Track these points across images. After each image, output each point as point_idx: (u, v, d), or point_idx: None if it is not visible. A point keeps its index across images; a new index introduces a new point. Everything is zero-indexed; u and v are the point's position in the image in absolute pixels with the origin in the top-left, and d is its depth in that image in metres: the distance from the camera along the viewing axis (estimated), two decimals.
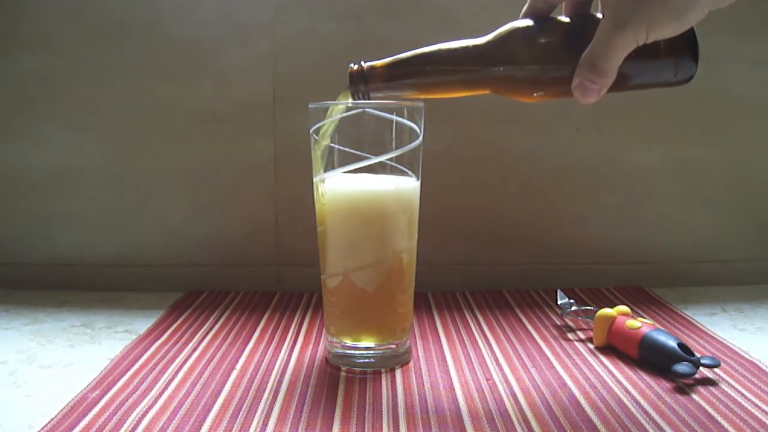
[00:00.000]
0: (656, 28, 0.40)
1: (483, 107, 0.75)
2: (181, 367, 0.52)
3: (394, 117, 0.50)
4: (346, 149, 0.50)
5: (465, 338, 0.60)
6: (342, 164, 0.50)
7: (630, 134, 0.77)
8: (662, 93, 0.76)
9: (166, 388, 0.48)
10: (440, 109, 0.65)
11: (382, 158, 0.50)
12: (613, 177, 0.78)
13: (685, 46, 0.43)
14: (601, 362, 0.54)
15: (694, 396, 0.47)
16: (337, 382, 0.50)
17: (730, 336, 0.60)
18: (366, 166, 0.50)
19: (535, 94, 0.46)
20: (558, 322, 0.64)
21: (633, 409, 0.45)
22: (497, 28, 0.45)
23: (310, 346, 0.58)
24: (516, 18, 0.46)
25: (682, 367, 0.49)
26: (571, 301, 0.64)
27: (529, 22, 0.45)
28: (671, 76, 0.44)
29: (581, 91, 0.43)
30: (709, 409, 0.45)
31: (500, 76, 0.45)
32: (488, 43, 0.45)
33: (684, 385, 0.49)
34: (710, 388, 0.48)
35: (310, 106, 0.52)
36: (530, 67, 0.44)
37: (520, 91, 0.45)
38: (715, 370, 0.51)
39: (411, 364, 0.53)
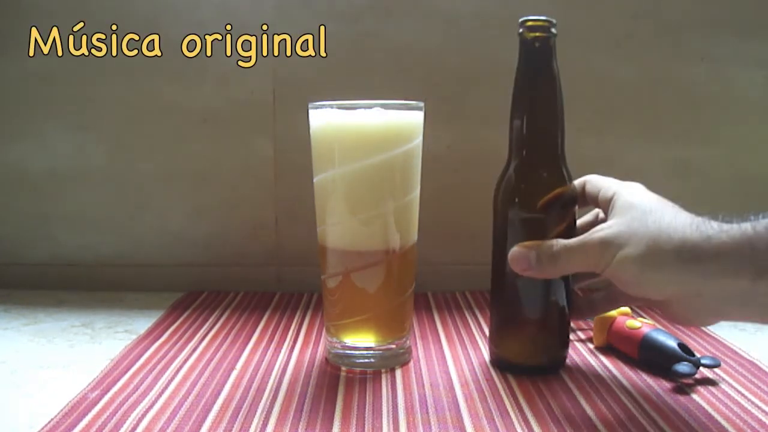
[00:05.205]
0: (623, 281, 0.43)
1: (483, 108, 0.75)
2: (181, 367, 0.52)
3: (394, 117, 0.50)
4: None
5: (465, 338, 0.60)
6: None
7: (630, 134, 0.77)
8: (662, 93, 0.76)
9: (166, 388, 0.48)
10: (440, 110, 0.65)
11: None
12: (613, 177, 0.78)
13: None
14: (601, 362, 0.54)
15: (694, 396, 0.47)
16: (337, 382, 0.50)
17: (730, 336, 0.60)
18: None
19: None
20: None
21: (633, 409, 0.45)
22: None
23: (310, 346, 0.58)
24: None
25: (682, 367, 0.49)
26: None
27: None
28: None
29: (517, 261, 0.47)
30: (709, 409, 0.45)
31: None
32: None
33: (684, 385, 0.49)
34: (710, 388, 0.48)
35: (310, 106, 0.52)
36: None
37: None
38: (715, 370, 0.51)
39: (411, 364, 0.53)
